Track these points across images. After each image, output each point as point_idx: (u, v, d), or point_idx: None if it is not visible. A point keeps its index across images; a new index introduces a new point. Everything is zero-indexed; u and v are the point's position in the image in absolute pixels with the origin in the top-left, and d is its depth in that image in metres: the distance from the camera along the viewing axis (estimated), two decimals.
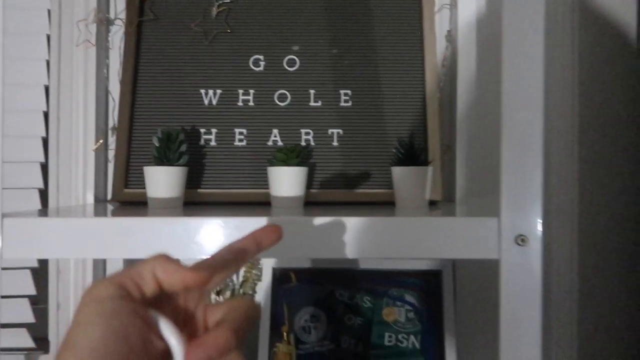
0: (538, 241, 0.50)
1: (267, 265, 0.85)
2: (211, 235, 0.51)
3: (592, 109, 0.81)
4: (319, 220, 0.55)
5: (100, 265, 0.83)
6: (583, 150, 0.80)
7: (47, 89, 0.86)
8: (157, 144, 0.69)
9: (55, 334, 0.84)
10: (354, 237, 0.54)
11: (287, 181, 0.69)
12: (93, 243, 0.51)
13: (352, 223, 0.54)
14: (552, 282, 0.80)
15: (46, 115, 0.85)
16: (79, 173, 0.83)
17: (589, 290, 0.79)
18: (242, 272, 0.84)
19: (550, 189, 0.80)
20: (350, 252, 0.54)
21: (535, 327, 0.51)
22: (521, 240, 0.50)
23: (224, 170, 0.77)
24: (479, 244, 0.52)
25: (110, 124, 0.84)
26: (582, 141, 0.80)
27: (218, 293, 0.82)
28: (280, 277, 0.85)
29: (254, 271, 0.84)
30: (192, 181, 0.75)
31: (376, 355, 0.81)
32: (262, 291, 0.85)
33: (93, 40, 0.83)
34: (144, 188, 0.69)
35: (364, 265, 0.85)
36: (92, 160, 0.82)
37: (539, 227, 0.50)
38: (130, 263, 0.85)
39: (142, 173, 0.70)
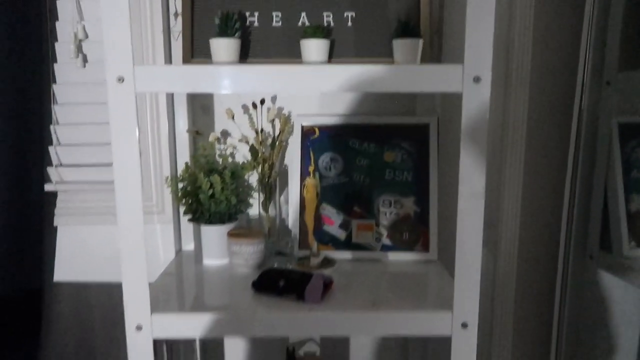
0: (488, 79, 0.76)
1: (297, 122, 1.12)
2: (259, 76, 0.76)
3: None
4: (337, 68, 0.79)
5: (170, 108, 1.10)
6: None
7: None
8: (218, 22, 0.93)
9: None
10: (365, 79, 0.79)
11: (314, 50, 0.93)
12: (184, 80, 0.77)
13: (362, 69, 0.79)
14: (509, 118, 1.07)
15: None
16: (149, 48, 1.07)
17: (536, 125, 1.06)
18: (277, 126, 1.11)
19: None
20: (360, 87, 0.78)
21: (482, 140, 0.78)
22: (476, 79, 0.76)
23: (267, 44, 1.01)
24: (451, 82, 0.78)
25: (172, 11, 1.07)
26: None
27: (260, 143, 1.09)
28: (307, 131, 1.12)
29: (287, 127, 1.11)
30: (243, 54, 1.00)
31: (379, 185, 1.11)
32: (293, 141, 1.13)
33: None
34: (205, 57, 0.94)
35: (370, 121, 1.12)
36: (160, 39, 1.06)
37: (489, 71, 0.76)
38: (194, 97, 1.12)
39: (202, 47, 0.94)
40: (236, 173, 1.06)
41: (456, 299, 0.83)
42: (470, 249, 0.81)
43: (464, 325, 0.84)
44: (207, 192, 1.02)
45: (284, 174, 1.16)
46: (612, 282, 1.14)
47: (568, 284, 1.09)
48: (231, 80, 0.77)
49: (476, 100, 0.77)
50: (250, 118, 1.07)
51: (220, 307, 0.88)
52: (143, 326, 0.84)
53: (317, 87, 0.79)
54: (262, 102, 1.09)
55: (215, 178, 1.01)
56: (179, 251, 1.16)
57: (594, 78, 1.04)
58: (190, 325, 0.86)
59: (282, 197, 1.17)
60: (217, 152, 1.15)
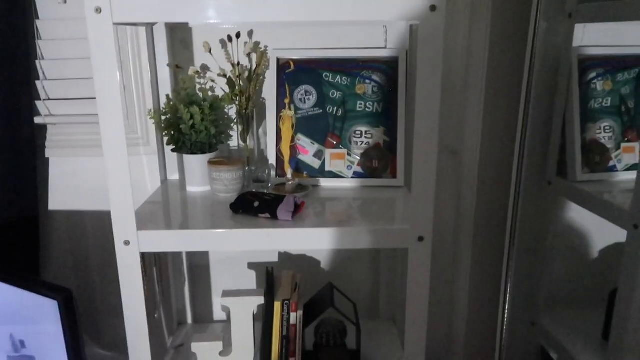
0: (443, 8, 0.81)
1: (273, 56, 1.17)
2: (233, 4, 0.81)
3: None
4: None
5: (151, 43, 1.15)
6: None
7: None
8: None
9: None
10: (330, 9, 0.83)
11: None
12: (161, 9, 0.82)
13: None
14: (472, 49, 1.12)
15: None
16: None
17: (498, 56, 1.12)
18: (254, 60, 1.16)
19: None
20: (326, 16, 0.83)
21: (438, 67, 0.84)
22: (432, 7, 0.81)
23: None
24: (409, 11, 0.83)
25: None
26: None
27: (238, 76, 1.14)
28: (282, 64, 1.17)
29: (263, 60, 1.15)
30: None
31: (351, 116, 1.17)
32: (269, 75, 1.18)
33: None
34: None
35: (343, 54, 1.17)
36: None
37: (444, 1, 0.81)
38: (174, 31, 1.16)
39: None
40: (215, 105, 1.12)
41: (413, 215, 0.92)
42: (425, 172, 0.90)
43: (420, 239, 0.93)
44: (188, 123, 1.08)
45: (262, 106, 1.22)
46: (567, 205, 1.24)
47: (519, 206, 1.17)
48: (206, 9, 0.82)
49: (432, 27, 0.83)
50: (227, 51, 1.12)
51: (201, 225, 0.97)
52: (130, 241, 0.93)
53: (285, 16, 0.84)
54: (238, 35, 1.13)
55: (195, 109, 1.07)
56: (164, 180, 1.24)
57: (555, 10, 1.08)
58: (174, 241, 0.95)
59: (260, 129, 1.23)
60: (197, 87, 1.20)
